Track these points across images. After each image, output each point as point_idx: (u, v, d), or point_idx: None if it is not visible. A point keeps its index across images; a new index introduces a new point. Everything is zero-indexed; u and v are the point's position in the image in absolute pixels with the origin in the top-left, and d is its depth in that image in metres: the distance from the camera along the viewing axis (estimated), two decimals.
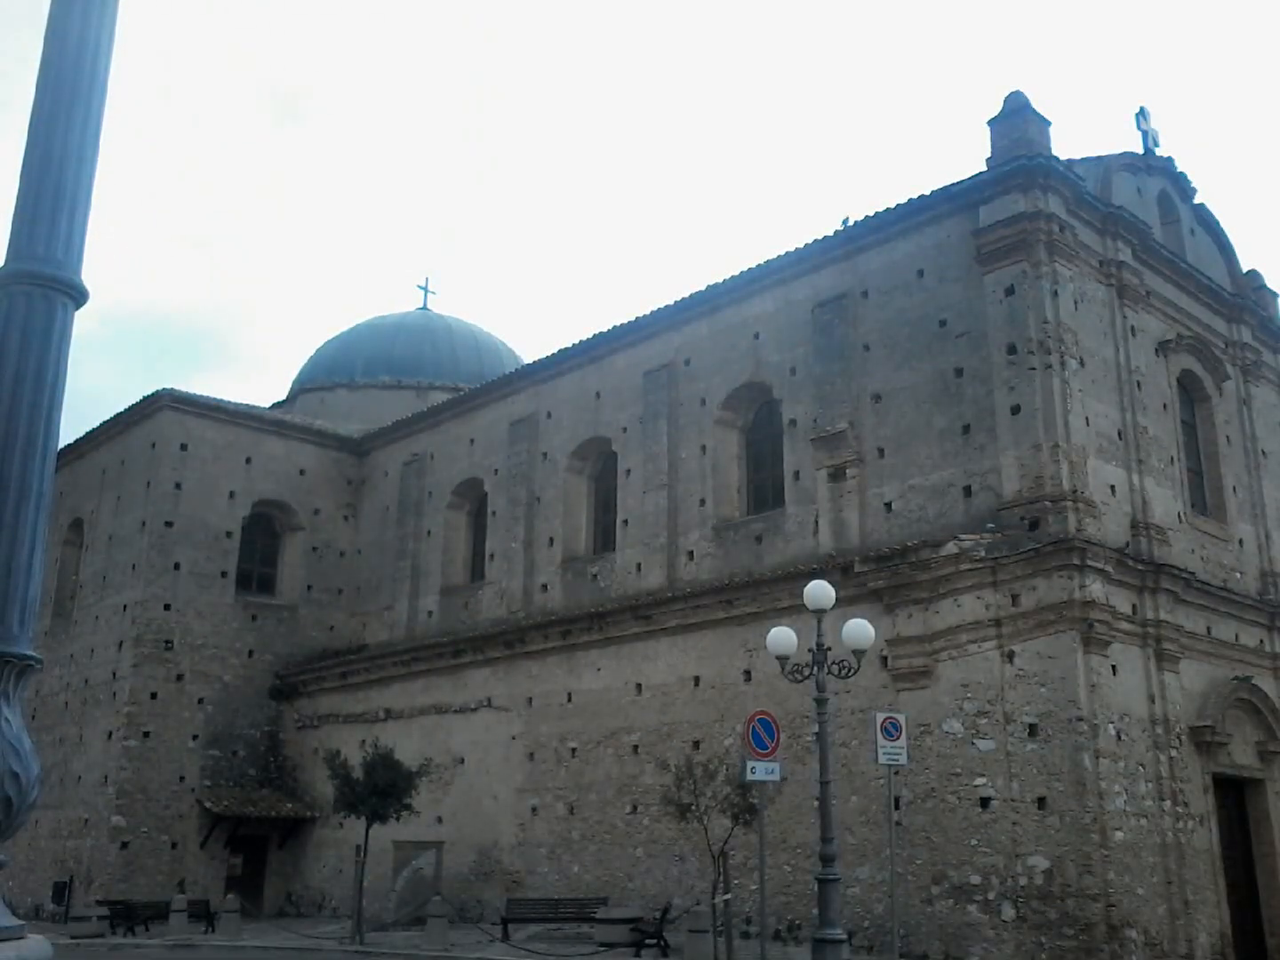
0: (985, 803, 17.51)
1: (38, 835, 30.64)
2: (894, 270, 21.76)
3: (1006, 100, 20.69)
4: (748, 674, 21.32)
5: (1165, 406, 22.01)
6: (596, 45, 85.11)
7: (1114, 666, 18.10)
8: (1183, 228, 24.43)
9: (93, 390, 73.15)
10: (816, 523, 21.89)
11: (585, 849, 23.51)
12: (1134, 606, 19.03)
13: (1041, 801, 17.08)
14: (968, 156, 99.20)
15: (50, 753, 30.58)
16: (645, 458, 25.71)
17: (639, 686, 23.35)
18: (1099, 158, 22.20)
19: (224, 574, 31.46)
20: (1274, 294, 26.63)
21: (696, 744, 21.50)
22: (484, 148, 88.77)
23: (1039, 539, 18.05)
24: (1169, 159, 24.69)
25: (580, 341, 27.88)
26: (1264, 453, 24.37)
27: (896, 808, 17.35)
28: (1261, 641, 22.19)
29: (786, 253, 23.44)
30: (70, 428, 36.66)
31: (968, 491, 19.76)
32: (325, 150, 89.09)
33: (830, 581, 15.81)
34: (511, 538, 28.44)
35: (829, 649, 15.08)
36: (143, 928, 25.56)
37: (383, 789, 23.81)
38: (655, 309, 26.06)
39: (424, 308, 42.10)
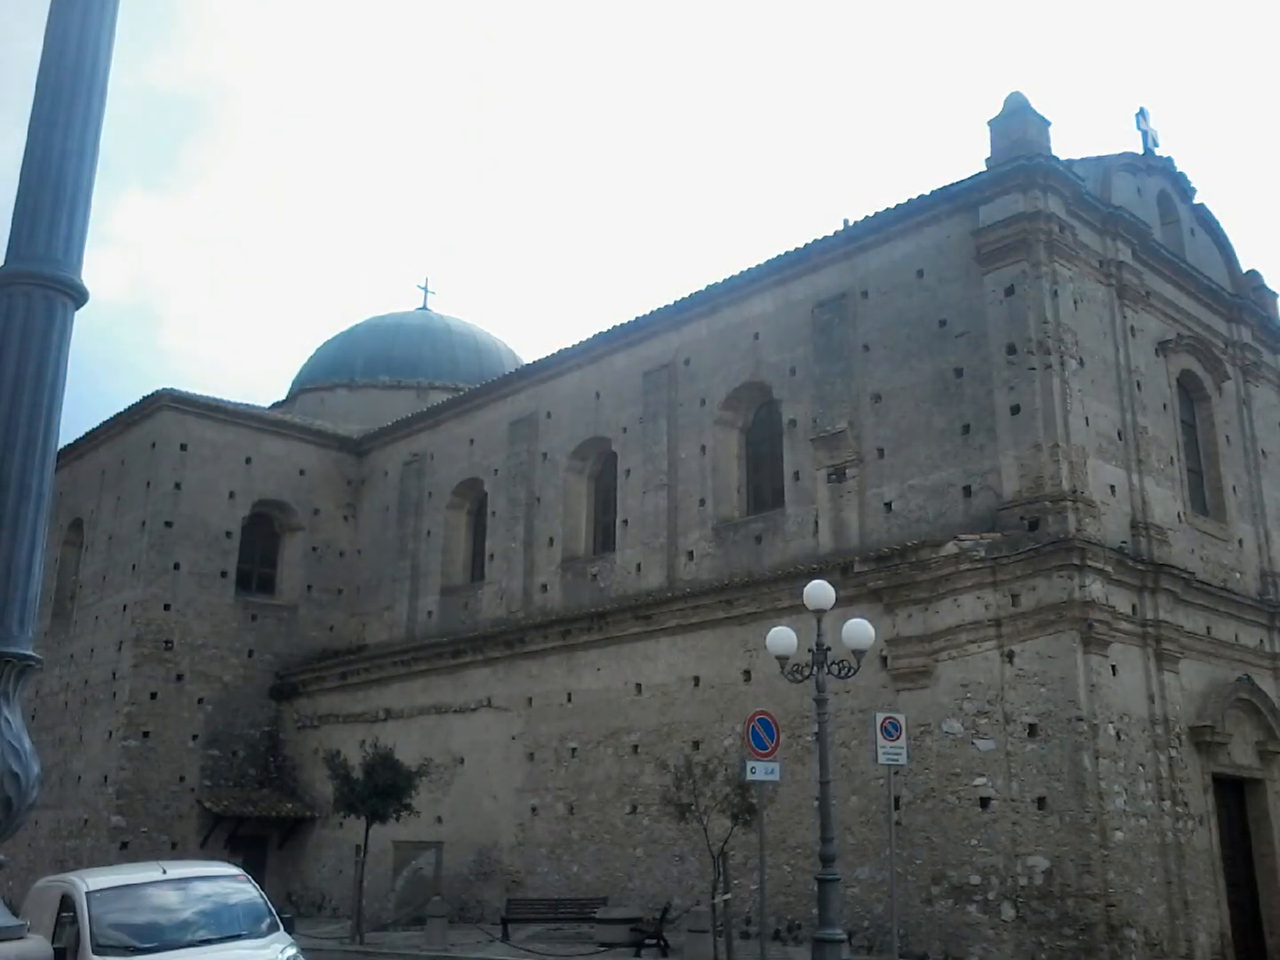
0: (985, 803, 17.50)
1: (38, 835, 30.64)
2: (894, 270, 21.76)
3: (1006, 100, 20.67)
4: (748, 674, 21.31)
5: (1165, 406, 22.01)
6: (596, 45, 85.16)
7: (1114, 666, 18.10)
8: (1183, 228, 24.42)
9: (91, 391, 73.13)
10: (816, 523, 21.88)
11: (585, 849, 23.51)
12: (1134, 606, 19.03)
13: (1041, 801, 17.08)
14: (968, 156, 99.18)
15: (50, 753, 30.57)
16: (645, 458, 25.70)
17: (639, 686, 23.35)
18: (1099, 158, 22.19)
19: (224, 574, 31.46)
20: (1274, 294, 26.62)
21: (696, 744, 21.49)
22: (484, 148, 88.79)
23: (1039, 539, 18.04)
24: (1169, 159, 24.68)
25: (580, 341, 27.88)
26: (1264, 453, 24.36)
27: (896, 808, 17.33)
28: (1261, 641, 22.19)
29: (786, 253, 23.44)
30: (71, 427, 36.65)
31: (968, 491, 19.75)
32: (325, 150, 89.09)
33: (830, 581, 15.82)
34: (511, 538, 28.44)
35: (829, 649, 15.08)
36: None
37: (383, 789, 23.81)
38: (655, 309, 26.05)
39: (424, 308, 42.08)
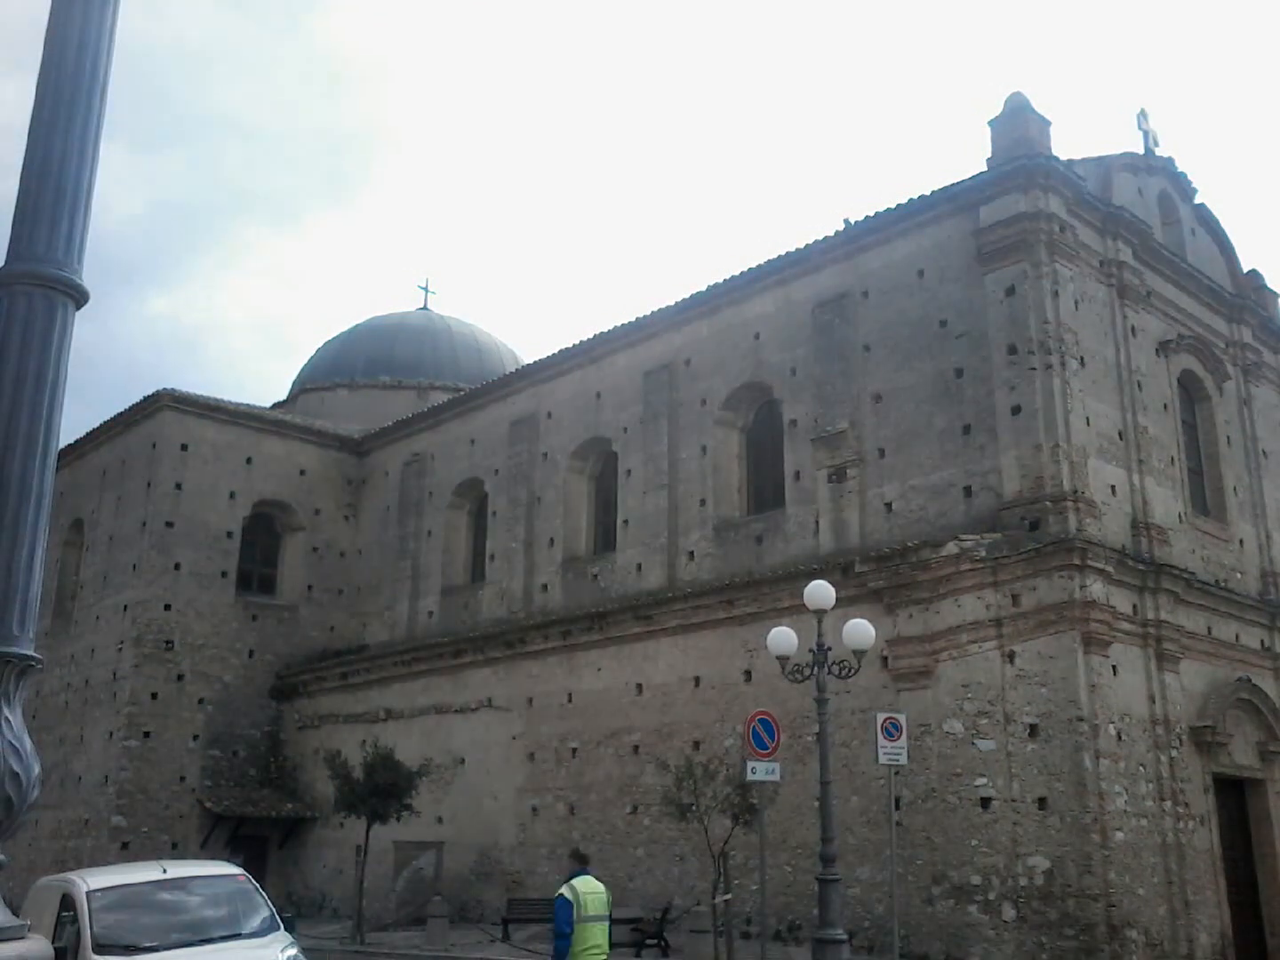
0: (986, 803, 17.49)
1: (38, 835, 30.64)
2: (894, 270, 21.75)
3: (1007, 100, 20.67)
4: (748, 674, 21.30)
5: (1166, 406, 22.01)
6: (597, 45, 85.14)
7: (1114, 667, 18.09)
8: (1183, 228, 24.42)
9: (93, 391, 73.15)
10: (817, 523, 21.87)
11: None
12: (1134, 607, 19.02)
13: (1042, 802, 17.07)
14: (968, 156, 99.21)
15: (50, 753, 30.56)
16: (645, 458, 25.69)
17: (639, 686, 23.34)
18: (1099, 158, 22.19)
19: (224, 574, 31.45)
20: (1274, 294, 26.60)
21: (697, 744, 21.48)
22: (484, 148, 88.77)
23: (1039, 539, 18.03)
24: (1169, 159, 24.67)
25: (580, 341, 27.87)
26: (1264, 453, 24.36)
27: (897, 808, 17.31)
28: (1262, 641, 22.19)
29: (786, 253, 23.43)
30: (71, 427, 36.66)
31: (968, 491, 19.75)
32: (325, 150, 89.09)
33: (830, 581, 15.83)
34: (512, 538, 28.43)
35: (829, 649, 15.08)
36: None
37: (383, 789, 23.81)
38: (655, 309, 26.05)
39: (424, 308, 42.10)
